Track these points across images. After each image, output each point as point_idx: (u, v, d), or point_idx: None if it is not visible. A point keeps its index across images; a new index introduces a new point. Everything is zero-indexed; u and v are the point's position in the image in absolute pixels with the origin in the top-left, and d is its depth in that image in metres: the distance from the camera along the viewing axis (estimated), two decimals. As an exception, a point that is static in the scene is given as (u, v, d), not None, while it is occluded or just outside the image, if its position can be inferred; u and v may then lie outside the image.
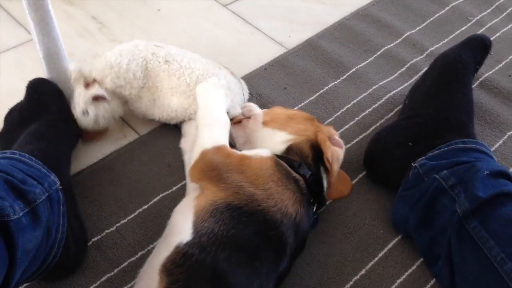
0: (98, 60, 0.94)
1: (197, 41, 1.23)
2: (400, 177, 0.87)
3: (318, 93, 1.12)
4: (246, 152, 0.79)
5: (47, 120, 0.88)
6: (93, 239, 0.85)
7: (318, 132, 0.84)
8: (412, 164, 0.85)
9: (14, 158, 0.75)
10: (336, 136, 0.87)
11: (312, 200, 0.79)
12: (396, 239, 0.88)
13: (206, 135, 0.80)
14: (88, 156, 0.97)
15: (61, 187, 0.78)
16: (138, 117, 1.02)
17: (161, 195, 0.91)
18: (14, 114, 0.93)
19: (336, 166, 0.83)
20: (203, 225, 0.68)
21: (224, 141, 0.80)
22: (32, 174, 0.74)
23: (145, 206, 0.90)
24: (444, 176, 0.79)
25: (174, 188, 0.92)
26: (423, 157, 0.84)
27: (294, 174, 0.78)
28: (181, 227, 0.70)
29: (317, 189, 0.80)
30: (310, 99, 1.10)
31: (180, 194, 0.91)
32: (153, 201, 0.90)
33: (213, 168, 0.75)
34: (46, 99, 0.91)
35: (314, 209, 0.81)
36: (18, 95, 1.06)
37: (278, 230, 0.71)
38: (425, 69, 1.16)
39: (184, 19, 1.29)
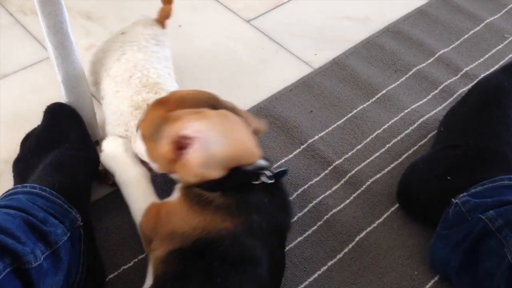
0: None
1: (218, 58, 1.18)
2: (438, 213, 0.81)
3: (346, 117, 1.06)
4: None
5: (66, 148, 0.84)
6: (109, 276, 0.80)
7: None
8: (452, 200, 0.79)
9: (35, 193, 0.72)
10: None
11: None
12: (433, 281, 0.82)
13: (135, 206, 0.78)
14: (104, 186, 0.93)
15: (82, 223, 0.75)
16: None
17: (181, 227, 0.87)
18: (31, 140, 0.89)
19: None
20: (158, 272, 0.68)
21: (149, 197, 0.78)
22: (53, 211, 0.70)
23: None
24: (490, 217, 0.73)
25: (195, 220, 0.88)
26: (464, 193, 0.78)
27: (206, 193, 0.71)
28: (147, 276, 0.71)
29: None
30: (338, 123, 1.05)
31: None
32: (173, 234, 0.86)
33: (150, 234, 0.74)
34: (65, 125, 0.87)
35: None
36: (34, 116, 1.02)
37: (222, 247, 0.66)
38: (460, 91, 1.11)
39: (205, 36, 1.24)
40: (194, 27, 1.26)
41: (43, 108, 1.04)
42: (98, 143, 0.97)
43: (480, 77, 1.04)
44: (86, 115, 0.92)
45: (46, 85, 1.09)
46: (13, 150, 0.96)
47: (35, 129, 0.91)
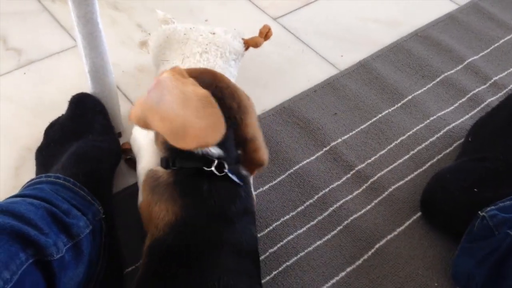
0: None
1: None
2: (463, 224, 0.80)
3: (370, 121, 1.04)
4: None
5: (91, 139, 0.84)
6: (127, 269, 0.80)
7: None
8: (479, 213, 0.77)
9: (59, 184, 0.72)
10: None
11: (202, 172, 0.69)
12: (453, 294, 0.80)
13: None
14: (126, 177, 0.93)
15: (104, 215, 0.74)
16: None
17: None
18: (56, 129, 0.89)
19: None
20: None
21: None
22: (76, 203, 0.70)
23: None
24: (519, 233, 0.71)
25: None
26: (492, 206, 0.77)
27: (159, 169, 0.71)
28: None
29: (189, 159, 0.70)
30: (362, 127, 1.03)
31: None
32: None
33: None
34: (90, 116, 0.87)
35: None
36: (58, 105, 1.03)
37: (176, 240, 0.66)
38: (488, 100, 1.09)
39: (232, 31, 1.23)
40: (221, 23, 1.25)
41: (67, 96, 1.04)
42: (121, 134, 0.97)
43: (510, 87, 1.02)
44: (111, 106, 0.92)
45: (71, 74, 1.09)
46: (36, 138, 0.96)
47: (59, 118, 0.91)
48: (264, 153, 0.77)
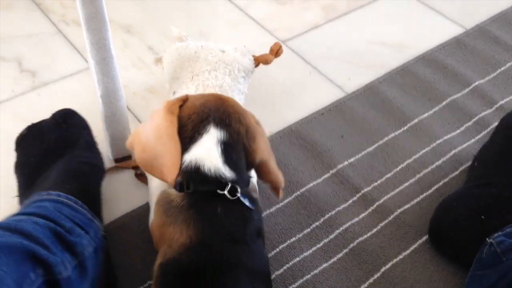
0: None
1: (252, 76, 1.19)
2: (472, 253, 0.80)
3: (377, 144, 1.06)
4: None
5: (77, 155, 0.84)
6: (136, 289, 0.82)
7: None
8: (487, 239, 0.78)
9: (60, 201, 0.73)
10: None
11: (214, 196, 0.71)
12: (458, 319, 0.81)
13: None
14: (122, 203, 0.94)
15: (104, 233, 0.76)
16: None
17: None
18: (34, 142, 0.87)
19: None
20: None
21: None
22: (78, 221, 0.72)
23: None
24: (527, 259, 0.71)
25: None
26: (499, 233, 0.77)
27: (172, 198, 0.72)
28: None
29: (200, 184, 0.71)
30: (368, 150, 1.04)
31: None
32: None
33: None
34: (75, 131, 0.88)
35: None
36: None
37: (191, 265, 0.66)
38: (494, 124, 1.09)
39: (241, 54, 1.25)
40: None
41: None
42: (131, 157, 0.99)
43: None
44: (122, 129, 0.94)
45: (84, 95, 1.12)
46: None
47: (31, 129, 0.89)
48: (276, 175, 0.78)
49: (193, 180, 0.70)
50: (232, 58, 0.96)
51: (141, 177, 0.95)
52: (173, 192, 0.72)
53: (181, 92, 0.93)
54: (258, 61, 1.02)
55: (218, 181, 0.70)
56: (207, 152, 0.70)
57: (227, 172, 0.71)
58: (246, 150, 0.73)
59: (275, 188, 0.80)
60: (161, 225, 0.71)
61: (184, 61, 0.97)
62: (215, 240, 0.68)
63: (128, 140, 0.76)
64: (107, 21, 0.82)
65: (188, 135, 0.71)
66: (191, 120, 0.71)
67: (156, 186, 0.81)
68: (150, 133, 0.72)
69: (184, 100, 0.75)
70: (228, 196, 0.70)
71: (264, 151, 0.75)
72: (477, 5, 1.42)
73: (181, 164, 0.70)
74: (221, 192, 0.70)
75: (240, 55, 0.98)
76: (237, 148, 0.72)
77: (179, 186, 0.71)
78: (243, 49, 1.00)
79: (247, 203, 0.71)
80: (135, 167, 0.96)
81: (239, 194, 0.70)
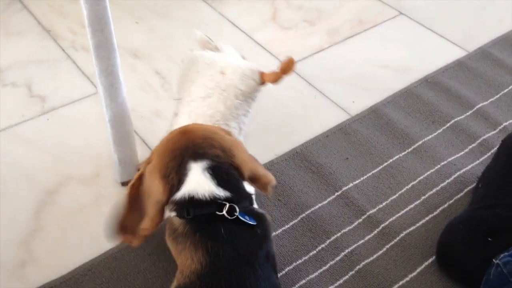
0: None
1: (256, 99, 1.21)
2: (479, 274, 0.80)
3: (381, 166, 1.06)
4: None
5: None
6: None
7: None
8: (493, 260, 0.78)
9: None
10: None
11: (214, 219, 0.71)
12: None
13: None
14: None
15: None
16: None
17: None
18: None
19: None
20: None
21: None
22: None
23: None
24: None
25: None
26: (505, 253, 0.77)
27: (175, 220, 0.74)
28: None
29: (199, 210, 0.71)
30: (373, 172, 1.05)
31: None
32: None
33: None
34: None
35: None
36: (79, 151, 1.07)
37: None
38: (498, 146, 1.10)
39: (246, 78, 1.27)
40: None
41: (88, 141, 1.08)
42: (138, 180, 1.00)
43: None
44: (129, 153, 0.95)
45: (92, 120, 1.14)
46: (56, 182, 1.00)
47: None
48: (266, 177, 0.78)
49: (191, 205, 0.71)
50: (229, 83, 0.93)
51: None
52: (176, 220, 0.73)
53: (179, 116, 0.92)
54: (265, 79, 0.97)
55: (215, 203, 0.71)
56: (197, 182, 0.71)
57: (221, 193, 0.71)
58: (233, 168, 0.74)
59: (264, 187, 0.79)
60: (176, 255, 0.72)
61: (186, 80, 0.96)
62: (223, 263, 0.68)
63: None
64: (116, 48, 0.84)
65: (175, 181, 0.71)
66: (169, 168, 0.72)
67: None
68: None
69: (149, 160, 0.76)
70: (227, 216, 0.70)
71: (247, 162, 0.76)
72: (479, 28, 1.44)
73: (173, 200, 0.71)
74: (219, 213, 0.70)
75: (239, 79, 0.93)
76: (224, 168, 0.73)
77: (179, 212, 0.71)
78: (246, 70, 0.95)
79: (247, 220, 0.72)
80: None
81: (237, 213, 0.71)
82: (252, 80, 0.96)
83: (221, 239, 0.70)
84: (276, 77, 0.95)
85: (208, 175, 0.71)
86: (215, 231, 0.70)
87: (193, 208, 0.70)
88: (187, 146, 0.73)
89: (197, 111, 0.91)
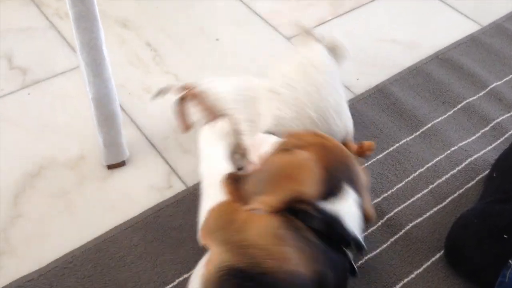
0: None
1: (256, 75, 1.13)
2: (491, 273, 0.74)
3: (387, 151, 0.99)
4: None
5: None
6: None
7: None
8: (510, 261, 0.72)
9: None
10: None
11: (337, 247, 0.68)
12: None
13: (210, 196, 0.76)
14: (126, 209, 0.88)
15: None
16: (187, 165, 0.93)
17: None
18: None
19: None
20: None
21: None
22: None
23: (186, 275, 0.80)
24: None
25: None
26: None
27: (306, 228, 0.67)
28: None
29: (336, 232, 0.69)
30: (378, 157, 0.98)
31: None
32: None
33: (216, 230, 0.69)
34: None
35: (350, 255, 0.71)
36: (62, 129, 1.00)
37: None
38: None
39: (244, 51, 1.19)
40: (233, 43, 1.21)
41: (71, 119, 1.01)
42: (124, 163, 0.93)
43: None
44: (114, 134, 0.88)
45: (76, 95, 1.05)
46: (38, 164, 0.93)
47: None
48: (369, 211, 0.77)
49: (333, 227, 0.68)
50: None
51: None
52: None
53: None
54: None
55: (353, 242, 0.70)
56: (350, 211, 0.70)
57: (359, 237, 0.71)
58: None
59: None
60: None
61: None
62: None
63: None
64: (99, 19, 0.76)
65: (325, 189, 0.68)
66: (330, 172, 0.69)
67: (208, 208, 0.74)
68: None
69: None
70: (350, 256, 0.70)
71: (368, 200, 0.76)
72: (493, 1, 1.35)
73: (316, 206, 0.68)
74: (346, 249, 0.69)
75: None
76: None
77: (312, 221, 0.67)
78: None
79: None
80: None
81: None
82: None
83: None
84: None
85: (358, 213, 0.72)
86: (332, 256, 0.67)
87: (333, 229, 0.68)
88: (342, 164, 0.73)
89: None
